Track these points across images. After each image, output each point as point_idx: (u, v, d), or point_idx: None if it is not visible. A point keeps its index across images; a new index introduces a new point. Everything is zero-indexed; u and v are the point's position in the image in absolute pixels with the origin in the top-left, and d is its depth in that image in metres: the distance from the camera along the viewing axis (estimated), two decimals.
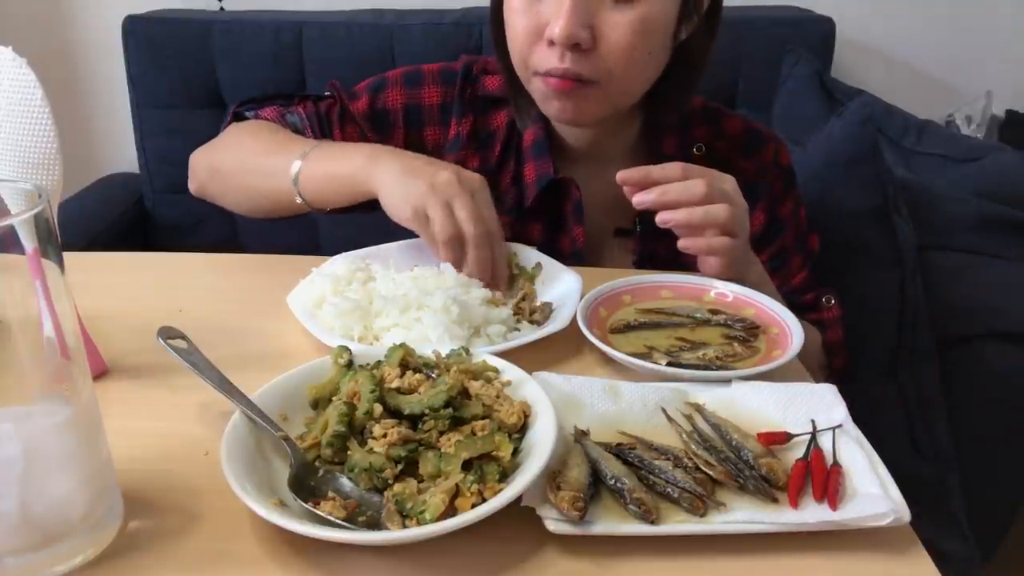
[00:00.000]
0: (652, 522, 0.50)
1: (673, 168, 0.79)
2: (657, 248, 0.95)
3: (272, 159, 0.92)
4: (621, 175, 0.79)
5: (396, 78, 1.02)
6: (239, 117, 1.04)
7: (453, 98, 1.01)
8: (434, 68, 1.02)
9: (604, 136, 0.97)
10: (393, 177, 0.81)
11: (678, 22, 0.86)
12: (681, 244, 0.80)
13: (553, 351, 0.71)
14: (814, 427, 0.58)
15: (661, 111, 0.96)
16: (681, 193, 0.77)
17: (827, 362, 1.06)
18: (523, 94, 0.93)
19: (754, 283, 0.82)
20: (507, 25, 0.88)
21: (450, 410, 0.54)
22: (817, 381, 0.66)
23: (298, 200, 0.89)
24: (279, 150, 0.92)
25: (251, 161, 0.95)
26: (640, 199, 0.78)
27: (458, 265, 0.78)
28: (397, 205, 0.80)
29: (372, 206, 0.86)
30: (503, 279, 0.82)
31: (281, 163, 0.89)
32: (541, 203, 0.98)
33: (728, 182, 0.81)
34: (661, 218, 0.78)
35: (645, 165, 0.84)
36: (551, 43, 0.82)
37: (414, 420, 0.55)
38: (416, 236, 0.90)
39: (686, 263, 0.86)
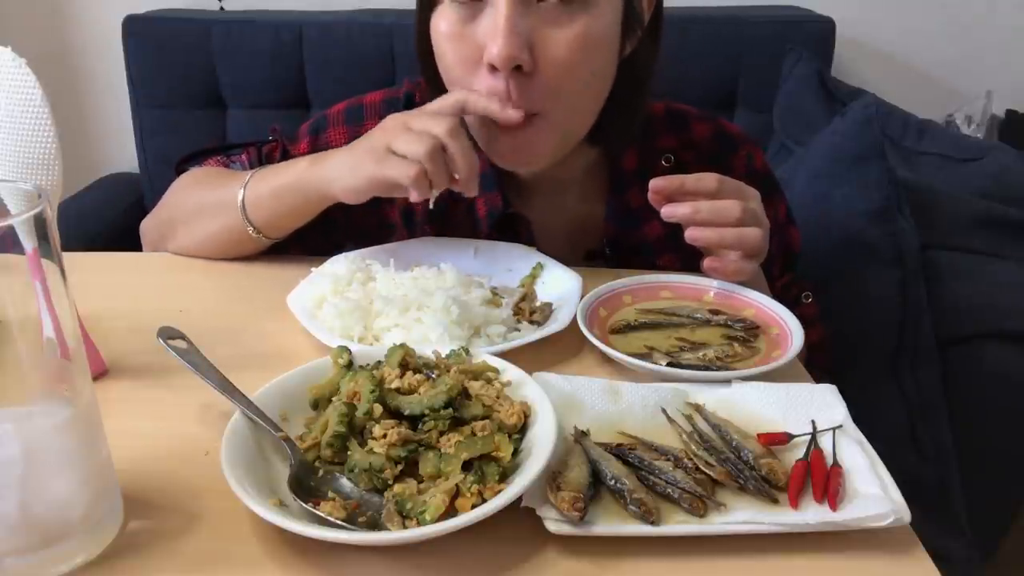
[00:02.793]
0: (652, 523, 0.50)
1: (708, 181, 0.76)
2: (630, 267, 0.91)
3: (217, 193, 0.89)
4: (654, 183, 0.76)
5: (337, 115, 0.96)
6: (182, 173, 0.99)
7: None
8: (376, 99, 0.96)
9: (556, 163, 0.86)
10: (339, 166, 0.78)
11: (622, 37, 0.81)
12: (707, 265, 0.79)
13: (553, 351, 0.71)
14: (814, 427, 0.58)
15: (607, 136, 0.89)
16: (715, 214, 0.75)
17: (807, 360, 1.04)
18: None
19: None
20: (437, 55, 0.80)
21: (450, 410, 0.54)
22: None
23: (250, 230, 0.86)
24: (222, 185, 0.89)
25: (198, 205, 0.91)
26: (670, 212, 0.76)
27: (442, 180, 0.74)
28: (352, 187, 0.78)
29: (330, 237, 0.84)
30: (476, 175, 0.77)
31: (226, 196, 0.86)
32: (496, 236, 0.92)
33: (755, 199, 0.79)
34: (690, 235, 0.76)
35: (605, 186, 0.81)
36: (492, 68, 0.74)
37: (414, 420, 0.55)
38: (416, 237, 0.90)
39: None
